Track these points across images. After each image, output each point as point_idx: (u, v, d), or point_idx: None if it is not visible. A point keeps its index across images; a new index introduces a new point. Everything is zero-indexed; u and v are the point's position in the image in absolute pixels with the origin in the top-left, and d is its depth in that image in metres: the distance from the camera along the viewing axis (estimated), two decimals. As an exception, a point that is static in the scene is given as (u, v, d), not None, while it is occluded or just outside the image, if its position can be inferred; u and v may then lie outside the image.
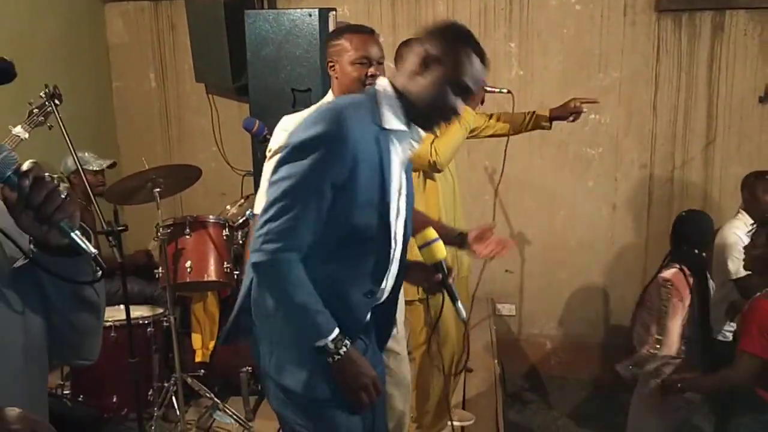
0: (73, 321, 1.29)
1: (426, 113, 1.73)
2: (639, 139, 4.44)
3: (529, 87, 4.42)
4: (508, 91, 3.09)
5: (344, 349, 1.70)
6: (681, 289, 2.94)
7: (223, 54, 4.25)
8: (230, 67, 4.27)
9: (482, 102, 2.97)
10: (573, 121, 3.21)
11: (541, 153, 4.53)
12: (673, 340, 2.94)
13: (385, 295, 1.89)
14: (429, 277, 1.86)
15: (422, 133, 1.80)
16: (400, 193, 1.79)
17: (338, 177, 1.63)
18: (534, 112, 3.20)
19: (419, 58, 1.69)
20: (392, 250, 1.79)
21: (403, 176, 1.83)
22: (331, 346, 1.69)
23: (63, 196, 1.14)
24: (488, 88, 2.97)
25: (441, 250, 1.83)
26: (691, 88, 4.32)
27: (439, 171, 2.78)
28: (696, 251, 2.99)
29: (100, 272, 1.24)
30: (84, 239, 1.17)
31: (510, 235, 4.66)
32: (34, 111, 2.97)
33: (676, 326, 2.94)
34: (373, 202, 1.70)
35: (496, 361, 4.05)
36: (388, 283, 1.86)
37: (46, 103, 2.97)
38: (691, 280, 2.95)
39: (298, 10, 3.76)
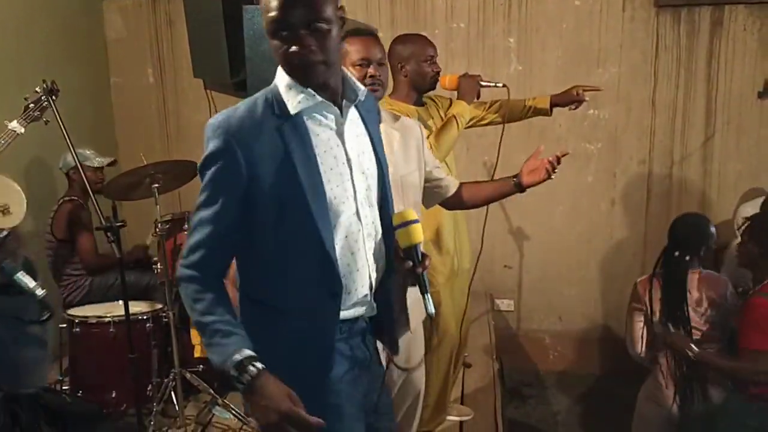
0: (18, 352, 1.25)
1: (287, 72, 1.62)
2: (638, 134, 4.44)
3: (528, 82, 4.42)
4: (504, 85, 3.08)
5: (249, 377, 1.51)
6: (642, 295, 3.10)
7: (221, 49, 4.21)
8: (228, 63, 4.23)
9: (478, 96, 2.98)
10: (575, 108, 3.20)
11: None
12: (634, 339, 3.13)
13: (374, 286, 1.73)
14: (401, 264, 1.68)
15: (358, 86, 1.68)
16: (336, 165, 1.64)
17: (237, 190, 1.58)
18: (533, 101, 3.21)
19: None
20: (326, 239, 1.62)
21: (357, 142, 1.70)
22: (234, 372, 1.52)
23: (2, 236, 1.10)
24: (484, 83, 2.97)
25: (418, 233, 1.67)
26: (689, 84, 4.32)
27: None
28: (685, 256, 3.00)
29: (47, 314, 1.19)
30: (28, 279, 1.13)
31: (508, 231, 4.67)
32: (30, 106, 2.96)
33: (636, 328, 3.11)
34: (290, 197, 1.58)
35: (494, 356, 4.06)
36: (373, 270, 1.72)
37: (42, 97, 2.96)
38: (660, 286, 3.03)
39: (297, 6, 3.75)
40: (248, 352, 1.54)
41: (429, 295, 1.66)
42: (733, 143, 4.33)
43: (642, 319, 3.10)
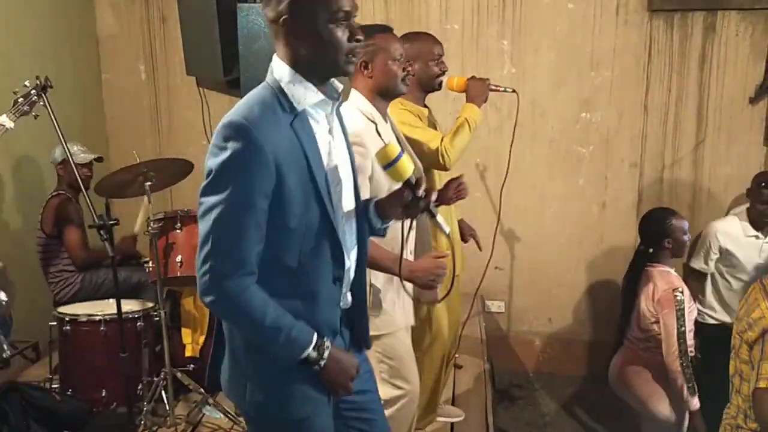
0: None
1: (329, 67, 1.63)
2: (629, 138, 4.46)
3: (521, 84, 4.42)
4: (513, 90, 3.06)
5: (326, 351, 1.66)
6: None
7: (214, 47, 4.21)
8: (221, 61, 4.24)
9: (486, 100, 2.92)
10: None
11: (532, 150, 4.54)
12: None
13: (351, 275, 1.80)
14: (400, 200, 1.77)
15: (338, 85, 1.72)
16: (331, 162, 1.69)
17: (267, 186, 1.55)
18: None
19: (280, 24, 1.60)
20: (337, 224, 1.68)
21: (338, 138, 1.74)
22: (314, 354, 1.65)
23: None
24: (493, 87, 2.92)
25: (408, 165, 1.72)
26: (681, 88, 4.34)
27: (446, 170, 2.76)
28: (649, 249, 3.20)
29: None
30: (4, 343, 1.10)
31: (500, 232, 4.68)
32: (20, 100, 2.94)
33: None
34: (308, 193, 1.61)
35: (485, 357, 4.07)
36: (351, 260, 1.79)
37: (32, 92, 2.94)
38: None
39: (292, 4, 3.74)
40: (315, 333, 1.65)
41: (439, 216, 1.76)
42: (724, 148, 4.36)
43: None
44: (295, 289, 1.66)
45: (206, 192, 1.56)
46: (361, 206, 1.83)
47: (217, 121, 4.86)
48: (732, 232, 3.87)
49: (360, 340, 1.90)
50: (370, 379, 1.96)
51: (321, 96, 1.65)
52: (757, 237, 3.82)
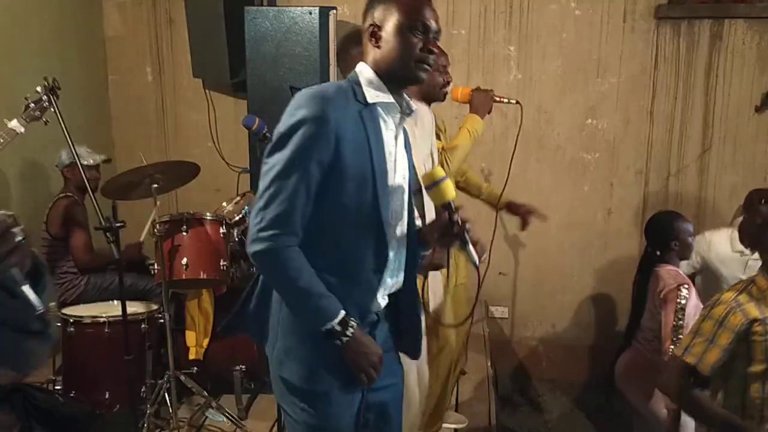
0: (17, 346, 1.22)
1: (402, 69, 1.76)
2: (635, 145, 4.46)
3: (527, 90, 4.43)
4: (517, 102, 3.06)
5: (351, 330, 1.71)
6: None
7: (221, 50, 4.22)
8: (228, 63, 4.24)
9: (489, 111, 2.93)
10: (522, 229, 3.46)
11: (538, 156, 4.54)
12: None
13: (399, 278, 1.88)
14: (439, 225, 1.84)
15: (413, 105, 1.85)
16: (396, 166, 1.81)
17: (324, 156, 1.66)
18: (490, 189, 3.42)
19: (368, 33, 1.78)
20: (389, 224, 1.78)
21: (400, 149, 1.85)
22: (338, 328, 1.70)
23: (18, 240, 1.07)
24: (497, 98, 2.94)
25: (450, 189, 1.79)
26: (688, 96, 4.34)
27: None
28: (656, 251, 3.23)
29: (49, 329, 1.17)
30: (31, 293, 1.10)
31: (504, 238, 4.67)
32: (31, 105, 2.94)
33: None
34: (363, 177, 1.71)
35: (489, 363, 4.06)
36: (399, 263, 1.86)
37: (43, 97, 2.94)
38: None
39: (299, 8, 3.75)
40: (344, 311, 1.71)
41: (471, 245, 1.81)
42: (730, 156, 4.36)
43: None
44: (334, 265, 1.74)
45: (270, 152, 1.70)
46: (414, 226, 1.91)
47: (223, 124, 4.88)
48: (720, 248, 3.79)
49: (408, 347, 2.00)
50: (398, 381, 2.00)
51: (391, 99, 1.77)
52: (742, 253, 3.74)
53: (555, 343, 4.79)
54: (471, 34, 4.51)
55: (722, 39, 4.24)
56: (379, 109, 1.78)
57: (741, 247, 3.72)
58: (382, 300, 1.85)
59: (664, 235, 3.21)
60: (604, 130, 4.47)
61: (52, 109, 2.94)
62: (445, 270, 2.80)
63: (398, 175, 1.82)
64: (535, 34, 4.44)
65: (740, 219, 3.88)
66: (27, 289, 1.10)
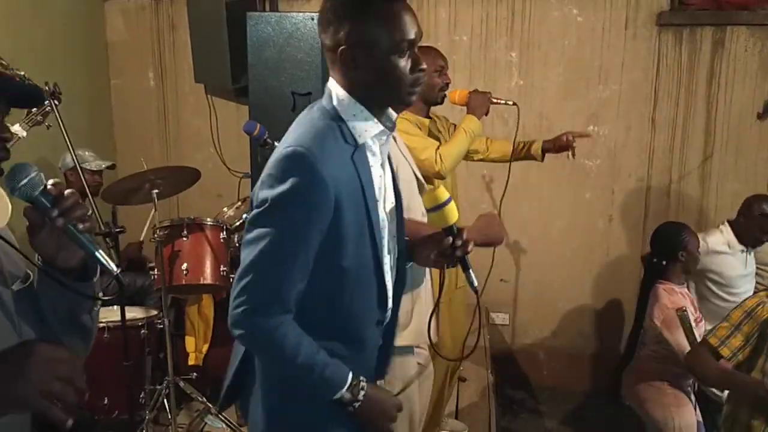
0: (65, 344, 1.26)
1: (390, 95, 1.57)
2: (637, 152, 4.45)
3: (529, 97, 4.42)
4: (514, 103, 3.07)
5: (362, 392, 1.56)
6: None
7: (223, 55, 4.22)
8: (230, 69, 4.25)
9: (486, 113, 2.94)
10: (572, 157, 3.36)
11: (539, 163, 4.51)
12: None
13: (389, 313, 1.74)
14: (438, 245, 1.66)
15: (393, 115, 1.64)
16: (385, 195, 1.64)
17: (324, 222, 1.48)
18: (531, 144, 3.32)
19: (338, 53, 1.52)
20: (385, 265, 1.64)
21: (387, 173, 1.67)
22: (348, 395, 1.55)
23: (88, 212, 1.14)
24: (494, 100, 2.95)
25: (454, 212, 1.63)
26: (689, 103, 4.33)
27: (442, 178, 2.76)
28: (662, 262, 3.21)
29: (112, 291, 1.25)
30: (105, 256, 1.16)
31: (505, 244, 4.66)
32: (33, 110, 2.95)
33: None
34: (362, 233, 1.55)
35: (489, 370, 4.05)
36: (393, 299, 1.72)
37: (46, 102, 2.95)
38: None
39: (301, 14, 3.75)
40: (350, 372, 1.57)
41: (471, 270, 1.68)
42: (732, 163, 4.35)
43: None
44: (339, 331, 1.60)
45: (258, 220, 1.50)
46: (404, 245, 1.75)
47: (224, 129, 4.87)
48: (718, 248, 3.76)
49: (377, 368, 1.80)
50: None
51: (381, 127, 1.58)
52: (742, 251, 3.74)
53: (556, 350, 4.77)
54: (473, 41, 4.51)
55: (724, 46, 4.24)
56: (368, 141, 1.58)
57: (741, 246, 3.72)
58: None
59: (671, 245, 3.19)
60: (606, 136, 4.46)
61: (55, 114, 2.95)
62: (437, 279, 2.79)
63: (387, 204, 1.65)
64: (537, 40, 4.43)
65: (726, 221, 3.84)
66: (101, 254, 1.15)
